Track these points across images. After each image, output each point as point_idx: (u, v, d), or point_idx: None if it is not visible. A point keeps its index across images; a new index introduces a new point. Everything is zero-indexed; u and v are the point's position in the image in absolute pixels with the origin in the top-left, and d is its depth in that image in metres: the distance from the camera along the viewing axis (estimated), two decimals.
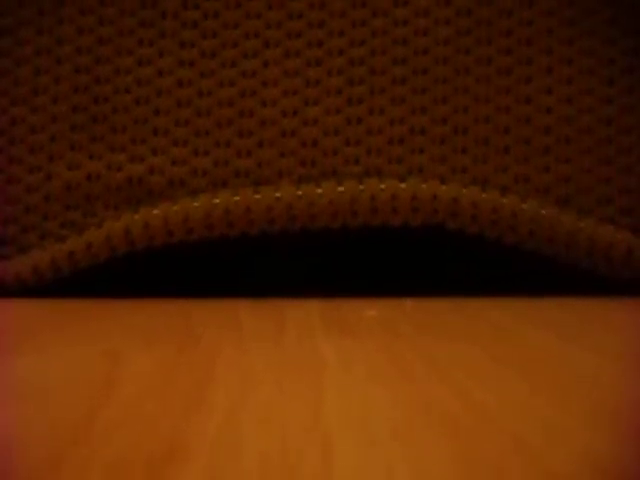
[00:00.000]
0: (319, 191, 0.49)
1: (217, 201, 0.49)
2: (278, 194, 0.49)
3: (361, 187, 0.49)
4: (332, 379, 0.26)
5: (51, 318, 0.44)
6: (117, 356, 0.30)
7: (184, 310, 0.44)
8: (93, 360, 0.30)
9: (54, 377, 0.27)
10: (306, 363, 0.29)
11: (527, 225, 0.50)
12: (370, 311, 0.42)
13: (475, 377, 0.27)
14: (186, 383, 0.26)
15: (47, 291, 0.50)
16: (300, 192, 0.49)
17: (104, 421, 0.22)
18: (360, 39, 0.52)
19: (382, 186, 0.50)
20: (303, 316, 0.41)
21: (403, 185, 0.50)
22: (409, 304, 0.46)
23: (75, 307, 0.46)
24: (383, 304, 0.46)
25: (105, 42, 0.52)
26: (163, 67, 0.51)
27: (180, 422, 0.21)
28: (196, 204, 0.49)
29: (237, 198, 0.49)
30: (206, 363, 0.29)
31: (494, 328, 0.39)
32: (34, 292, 0.50)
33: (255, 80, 0.51)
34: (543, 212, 0.51)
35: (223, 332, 0.36)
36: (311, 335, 0.35)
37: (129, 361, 0.29)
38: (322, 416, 0.22)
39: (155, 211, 0.50)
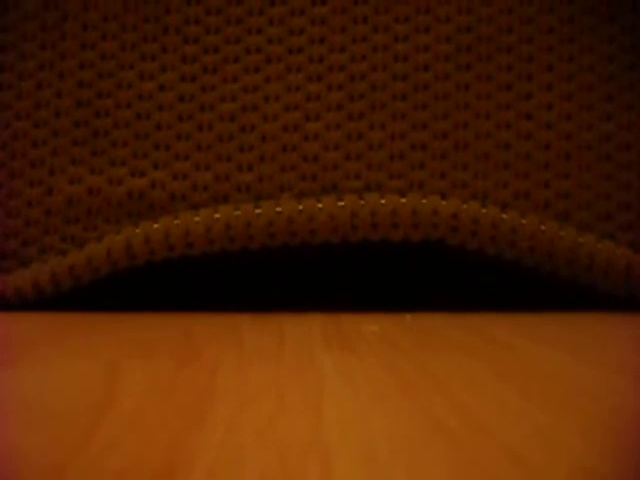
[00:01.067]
0: (320, 206, 0.49)
1: (218, 215, 0.49)
2: (279, 209, 0.49)
3: (361, 202, 0.50)
4: (332, 394, 0.26)
5: (51, 332, 0.44)
6: (117, 370, 0.30)
7: (184, 324, 0.44)
8: (93, 374, 0.30)
9: (54, 390, 0.27)
10: (306, 378, 0.29)
11: (527, 241, 0.50)
12: (370, 326, 0.42)
13: (474, 391, 0.27)
14: (186, 397, 0.26)
15: (47, 305, 0.50)
16: (301, 207, 0.49)
17: (104, 435, 0.22)
18: (361, 55, 0.52)
19: (382, 201, 0.50)
20: (303, 331, 0.41)
21: (403, 200, 0.50)
22: (409, 319, 0.46)
23: (75, 321, 0.46)
24: (383, 319, 0.46)
25: (107, 57, 0.52)
26: (165, 82, 0.52)
27: (180, 436, 0.21)
28: (197, 218, 0.49)
29: (238, 213, 0.49)
30: (206, 377, 0.29)
31: (493, 343, 0.39)
32: (34, 306, 0.50)
33: (256, 95, 0.51)
34: (543, 227, 0.50)
35: (224, 347, 0.36)
36: (311, 350, 0.35)
37: (129, 375, 0.29)
38: (321, 431, 0.22)
39: (156, 225, 0.50)
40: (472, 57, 0.52)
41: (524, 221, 0.50)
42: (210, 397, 0.26)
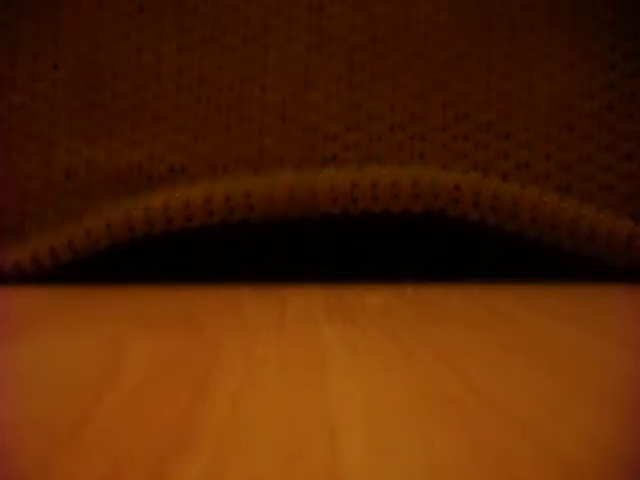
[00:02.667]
0: (320, 177, 0.49)
1: (217, 187, 0.49)
2: (279, 180, 0.49)
3: (362, 173, 0.49)
4: (336, 365, 0.26)
5: (51, 305, 0.43)
6: (120, 343, 0.30)
7: (186, 297, 0.43)
8: (95, 347, 0.29)
9: (56, 365, 0.27)
10: (309, 349, 0.29)
11: (528, 212, 0.50)
12: (372, 298, 0.42)
13: (479, 362, 0.27)
14: (190, 370, 0.26)
15: (47, 279, 0.50)
16: (301, 177, 0.49)
17: (108, 409, 0.21)
18: (361, 24, 0.51)
19: (383, 172, 0.49)
20: (305, 303, 0.41)
21: (404, 171, 0.49)
22: (410, 291, 0.46)
23: (75, 294, 0.46)
24: (385, 291, 0.45)
25: (104, 27, 0.51)
26: (163, 52, 0.51)
27: (185, 410, 0.21)
28: (196, 190, 0.49)
29: (237, 184, 0.49)
30: (210, 350, 0.28)
31: (496, 315, 0.38)
32: (33, 279, 0.50)
33: (255, 65, 0.51)
34: (544, 199, 0.50)
35: (226, 320, 0.36)
36: (314, 322, 0.35)
37: (132, 348, 0.29)
38: (328, 403, 0.22)
39: (155, 197, 0.49)
40: (472, 26, 0.51)
41: (525, 192, 0.50)
42: (214, 369, 0.25)
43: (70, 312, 0.40)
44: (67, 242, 0.50)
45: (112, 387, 0.23)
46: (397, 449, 0.18)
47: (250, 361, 0.27)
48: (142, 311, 0.39)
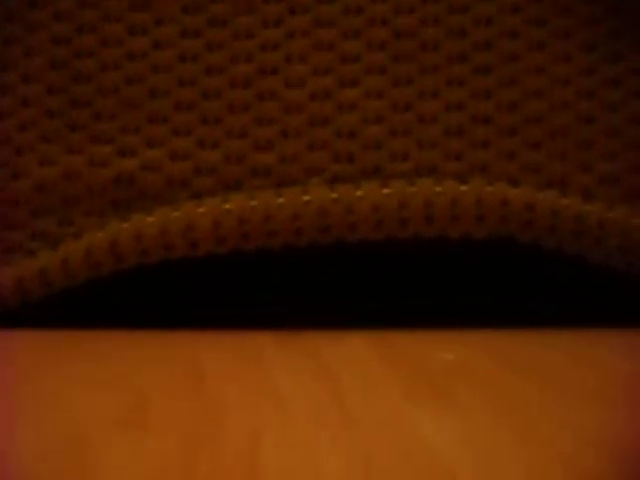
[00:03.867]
0: (358, 194, 0.40)
1: (229, 207, 0.40)
2: (307, 197, 0.40)
3: (412, 189, 0.41)
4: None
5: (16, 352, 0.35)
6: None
7: (190, 355, 0.34)
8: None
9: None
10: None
11: (615, 238, 0.41)
12: (443, 353, 0.32)
13: None
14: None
15: (13, 319, 0.41)
16: (335, 195, 0.40)
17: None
18: (408, 5, 0.42)
19: (438, 188, 0.40)
20: (353, 361, 0.31)
21: (464, 187, 0.41)
22: (477, 337, 0.37)
23: (41, 340, 0.38)
24: (446, 338, 0.36)
25: (88, 5, 0.42)
26: (161, 37, 0.42)
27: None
28: (202, 210, 0.40)
29: (254, 203, 0.40)
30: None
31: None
32: None
33: (277, 54, 0.42)
34: (635, 221, 0.42)
35: (254, 397, 0.26)
36: (386, 399, 0.24)
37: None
38: None
39: (150, 219, 0.41)
40: (547, 8, 0.42)
41: (612, 214, 0.42)
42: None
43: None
44: (38, 272, 0.41)
45: None
46: None
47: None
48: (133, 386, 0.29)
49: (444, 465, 0.18)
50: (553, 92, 0.42)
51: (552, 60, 0.42)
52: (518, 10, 0.42)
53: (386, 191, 0.40)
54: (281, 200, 0.40)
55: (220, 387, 0.26)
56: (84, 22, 0.42)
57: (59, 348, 0.36)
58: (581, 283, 0.43)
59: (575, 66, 0.42)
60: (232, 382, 0.27)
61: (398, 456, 0.18)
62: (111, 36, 0.42)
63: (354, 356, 0.31)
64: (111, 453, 0.20)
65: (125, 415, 0.23)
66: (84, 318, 0.41)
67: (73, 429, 0.22)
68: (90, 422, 0.22)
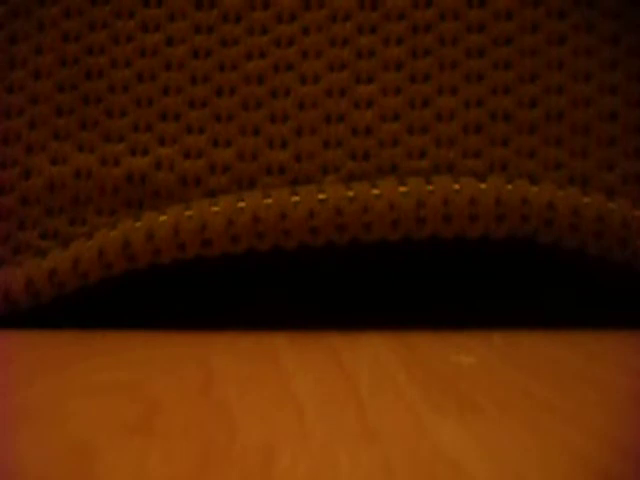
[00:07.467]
0: (375, 192, 0.39)
1: (243, 205, 0.39)
2: (322, 196, 0.39)
3: (429, 188, 0.39)
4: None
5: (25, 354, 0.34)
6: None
7: (202, 356, 0.32)
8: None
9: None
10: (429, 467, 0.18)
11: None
12: (462, 356, 0.30)
13: None
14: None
15: (23, 320, 0.40)
16: (351, 193, 0.39)
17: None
18: None
19: (456, 186, 0.39)
20: (371, 364, 0.29)
21: (483, 186, 0.39)
22: (497, 339, 0.36)
23: (53, 340, 0.36)
24: (460, 340, 0.34)
25: (100, 1, 0.41)
26: (173, 33, 0.41)
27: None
28: (216, 209, 0.39)
29: (269, 201, 0.39)
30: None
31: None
32: (6, 322, 0.40)
33: (292, 50, 0.40)
34: None
35: (275, 408, 0.25)
36: (408, 406, 0.23)
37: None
38: None
39: (162, 217, 0.39)
40: (568, 1, 0.41)
41: (637, 213, 0.40)
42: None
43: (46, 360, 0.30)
44: (48, 273, 0.40)
45: None
46: None
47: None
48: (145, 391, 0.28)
49: (466, 476, 0.17)
50: (575, 87, 0.40)
51: (574, 54, 0.40)
52: (539, 3, 0.40)
53: (403, 189, 0.39)
54: (296, 198, 0.39)
55: (232, 393, 0.25)
56: (95, 18, 0.41)
57: (67, 348, 0.35)
58: (602, 284, 0.41)
59: (598, 60, 0.40)
60: (245, 387, 0.26)
61: (420, 469, 0.17)
62: (122, 32, 0.41)
63: (373, 359, 0.30)
64: (118, 460, 0.19)
65: (133, 421, 0.22)
66: (93, 318, 0.40)
67: (79, 435, 0.21)
68: (97, 428, 0.21)
